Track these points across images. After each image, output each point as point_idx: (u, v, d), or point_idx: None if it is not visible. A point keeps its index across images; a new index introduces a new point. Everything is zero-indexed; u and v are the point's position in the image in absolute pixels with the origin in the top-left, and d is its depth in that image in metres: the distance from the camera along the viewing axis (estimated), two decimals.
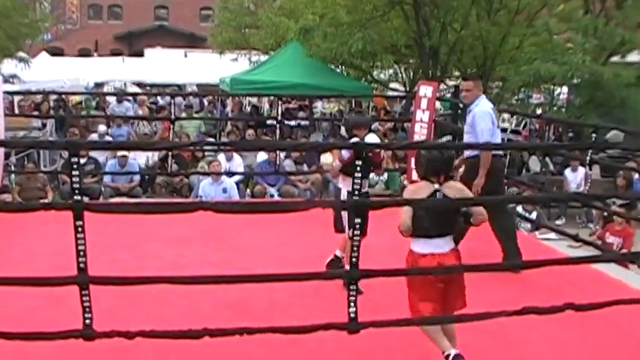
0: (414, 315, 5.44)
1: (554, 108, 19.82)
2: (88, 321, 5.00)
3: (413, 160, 11.34)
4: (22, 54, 23.37)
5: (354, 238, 4.96)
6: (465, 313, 5.28)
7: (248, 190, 14.66)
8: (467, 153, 8.60)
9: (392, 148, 6.66)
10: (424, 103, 11.14)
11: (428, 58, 18.51)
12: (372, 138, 7.11)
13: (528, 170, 18.52)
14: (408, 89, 22.06)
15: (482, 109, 8.35)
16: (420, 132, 11.03)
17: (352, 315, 5.16)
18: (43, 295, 6.11)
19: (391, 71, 23.26)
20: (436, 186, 5.31)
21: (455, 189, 5.38)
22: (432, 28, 18.14)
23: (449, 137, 13.71)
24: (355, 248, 4.97)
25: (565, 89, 20.94)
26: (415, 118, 11.29)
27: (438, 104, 12.58)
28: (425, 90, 11.28)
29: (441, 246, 5.38)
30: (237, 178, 14.02)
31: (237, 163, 14.57)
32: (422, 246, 5.39)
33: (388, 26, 19.14)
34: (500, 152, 9.02)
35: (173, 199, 14.04)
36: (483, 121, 8.25)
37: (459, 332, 5.57)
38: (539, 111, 19.76)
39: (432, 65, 18.69)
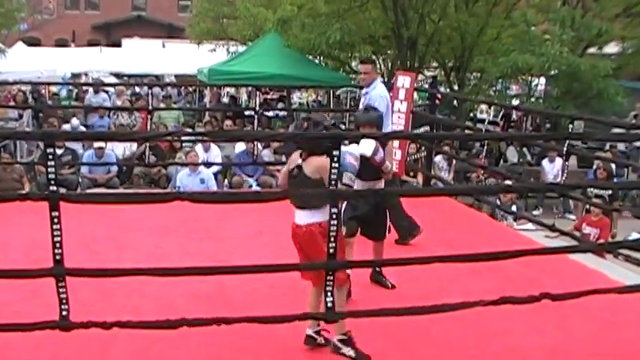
0: None
1: (532, 99, 19.91)
2: (64, 312, 4.98)
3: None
4: None
5: (331, 228, 4.96)
6: (444, 303, 5.29)
7: (226, 181, 14.64)
8: None
9: (369, 138, 6.66)
10: (402, 94, 11.14)
11: (406, 49, 18.52)
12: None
13: (506, 161, 18.60)
14: (385, 80, 22.07)
15: (379, 93, 8.68)
16: (398, 122, 11.02)
17: (329, 305, 5.17)
18: (18, 288, 6.08)
19: None
20: (299, 161, 5.59)
21: (312, 165, 5.51)
22: (410, 19, 18.14)
23: (426, 128, 13.74)
24: (332, 239, 4.97)
25: (542, 80, 21.06)
26: (393, 108, 11.29)
27: (415, 95, 12.57)
28: (403, 80, 11.29)
29: (299, 217, 5.63)
30: (215, 168, 13.99)
31: (215, 153, 14.53)
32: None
33: (366, 17, 19.15)
34: None
35: (151, 189, 13.99)
36: (379, 104, 8.43)
37: (437, 322, 5.61)
38: (516, 102, 19.82)
39: (410, 56, 18.70)
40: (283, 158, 15.05)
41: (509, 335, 6.05)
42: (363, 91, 9.03)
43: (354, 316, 5.29)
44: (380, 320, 5.44)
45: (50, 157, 4.70)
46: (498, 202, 12.63)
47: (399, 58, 19.48)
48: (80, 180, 14.27)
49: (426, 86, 15.82)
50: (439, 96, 13.77)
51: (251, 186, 14.27)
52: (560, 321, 6.27)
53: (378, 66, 23.41)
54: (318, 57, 21.69)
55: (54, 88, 26.00)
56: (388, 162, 6.31)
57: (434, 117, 12.68)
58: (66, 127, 17.28)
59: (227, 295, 6.54)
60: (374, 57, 22.13)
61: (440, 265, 5.49)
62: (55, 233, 4.76)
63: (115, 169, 14.59)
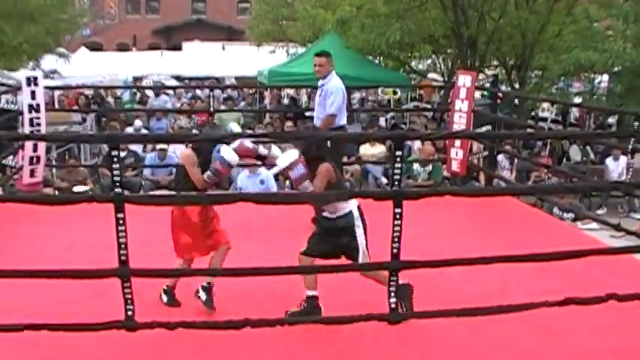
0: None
1: (595, 97, 19.64)
2: (130, 312, 5.05)
3: (453, 150, 11.34)
4: (61, 49, 23.58)
5: (395, 228, 4.94)
6: (508, 303, 5.24)
7: (287, 182, 14.65)
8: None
9: (431, 138, 6.64)
10: (463, 93, 11.06)
11: (466, 47, 18.40)
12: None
13: (569, 160, 18.38)
14: (446, 79, 21.98)
15: (336, 85, 9.05)
16: (459, 122, 10.96)
17: (392, 306, 5.15)
18: (82, 288, 6.15)
19: (429, 61, 23.20)
20: None
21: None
22: (470, 17, 18.02)
23: (488, 127, 13.64)
24: (396, 239, 4.95)
25: (605, 77, 20.74)
26: (454, 108, 11.22)
27: (477, 94, 12.48)
28: (463, 79, 11.21)
29: None
30: (275, 169, 13.99)
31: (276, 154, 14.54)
32: None
33: (426, 16, 19.06)
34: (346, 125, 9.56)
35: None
36: (337, 95, 8.97)
37: (503, 323, 5.56)
38: (579, 99, 19.56)
39: (470, 55, 18.58)
40: (344, 159, 15.08)
41: (573, 335, 5.96)
42: (319, 83, 9.24)
43: (418, 317, 5.26)
44: (441, 320, 5.42)
45: (115, 159, 4.75)
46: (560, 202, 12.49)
47: (459, 57, 19.37)
48: (143, 182, 14.42)
49: (487, 85, 15.72)
50: (500, 95, 13.64)
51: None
52: (626, 322, 6.17)
53: (438, 65, 23.42)
54: (377, 57, 21.66)
55: (116, 92, 26.38)
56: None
57: (495, 116, 12.57)
58: (129, 130, 17.48)
59: (292, 296, 6.53)
60: (433, 56, 22.16)
61: (503, 265, 5.44)
62: (121, 234, 4.82)
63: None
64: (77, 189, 13.52)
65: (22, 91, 10.93)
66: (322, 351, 5.59)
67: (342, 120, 9.19)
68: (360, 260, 5.89)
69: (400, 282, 5.47)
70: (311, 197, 5.82)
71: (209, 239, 6.41)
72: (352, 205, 5.92)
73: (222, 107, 20.20)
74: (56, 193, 13.55)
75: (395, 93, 24.44)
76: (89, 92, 25.92)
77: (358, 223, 5.97)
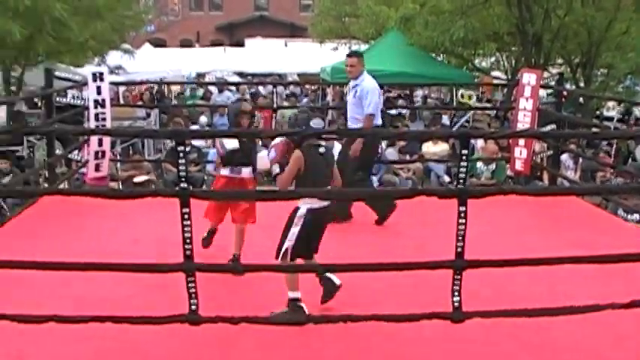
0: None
1: None
2: (193, 307, 5.10)
3: (517, 149, 11.24)
4: (126, 45, 23.82)
5: (459, 227, 4.91)
6: (573, 305, 5.18)
7: None
8: (353, 126, 9.34)
9: (496, 136, 6.58)
10: (528, 91, 10.96)
11: (530, 45, 18.18)
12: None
13: (635, 160, 18.09)
14: (509, 77, 21.77)
15: (371, 84, 9.18)
16: (524, 120, 10.86)
17: (456, 304, 5.13)
18: (145, 281, 6.22)
19: (493, 59, 23.00)
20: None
21: None
22: (535, 14, 17.80)
23: (553, 126, 13.47)
24: (460, 238, 4.92)
25: None
26: (518, 106, 11.12)
27: (541, 92, 12.32)
28: (528, 78, 11.10)
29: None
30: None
31: (337, 150, 14.58)
32: None
33: (490, 13, 18.86)
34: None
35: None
36: (373, 95, 9.08)
37: (567, 324, 5.49)
38: None
39: (535, 53, 18.35)
40: (407, 157, 15.03)
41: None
42: (351, 83, 9.39)
43: (482, 316, 5.22)
44: (505, 321, 5.37)
45: (180, 155, 4.79)
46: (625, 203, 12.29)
47: (524, 54, 19.16)
48: (205, 177, 14.52)
49: (552, 83, 15.52)
50: (565, 93, 13.47)
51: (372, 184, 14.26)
52: None
53: (502, 63, 23.20)
54: (440, 54, 21.53)
55: (179, 88, 26.60)
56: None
57: (560, 115, 12.41)
58: (193, 126, 17.63)
59: (351, 293, 6.53)
60: (497, 54, 21.96)
61: (567, 266, 5.38)
62: (186, 229, 4.86)
63: None
64: (138, 179, 13.69)
65: (87, 87, 11.08)
66: (387, 347, 5.58)
67: (378, 119, 9.27)
68: (279, 258, 6.13)
69: (334, 280, 6.02)
70: (363, 194, 5.81)
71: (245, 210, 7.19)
72: (303, 205, 6.07)
73: (285, 104, 20.23)
74: (120, 184, 13.73)
75: (470, 98, 24.30)
76: (154, 88, 26.21)
77: (298, 222, 6.10)
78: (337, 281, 6.23)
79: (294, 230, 6.12)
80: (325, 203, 6.14)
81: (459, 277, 5.10)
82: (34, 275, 5.75)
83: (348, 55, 9.60)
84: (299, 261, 6.15)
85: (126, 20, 21.84)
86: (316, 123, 6.28)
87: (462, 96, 22.55)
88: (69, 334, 5.41)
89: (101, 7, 17.93)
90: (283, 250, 6.15)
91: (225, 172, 7.36)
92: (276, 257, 6.16)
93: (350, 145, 9.19)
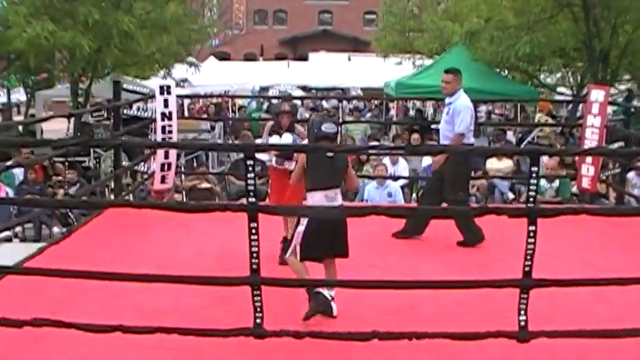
0: None
1: None
2: (258, 320, 5.11)
3: (584, 166, 11.09)
4: (191, 59, 24.06)
5: (528, 246, 4.85)
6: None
7: (414, 195, 14.61)
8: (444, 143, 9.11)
9: (567, 154, 6.49)
10: (595, 108, 10.81)
11: (597, 61, 17.95)
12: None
13: None
14: (575, 93, 21.52)
15: (464, 103, 8.89)
16: (592, 138, 10.71)
17: (522, 324, 5.06)
18: (210, 294, 6.25)
19: (559, 75, 22.76)
20: None
21: None
22: (602, 29, 17.58)
23: (621, 143, 13.28)
24: (529, 257, 4.86)
25: None
26: (586, 123, 10.97)
27: (609, 109, 12.16)
28: (596, 94, 10.95)
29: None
30: (402, 182, 13.99)
31: (402, 166, 14.56)
32: None
33: (556, 28, 18.67)
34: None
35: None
36: (465, 114, 8.81)
37: (637, 347, 5.40)
38: None
39: (602, 69, 18.13)
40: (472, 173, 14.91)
41: None
42: (446, 100, 9.13)
43: (548, 337, 5.14)
44: (571, 341, 5.29)
45: (250, 168, 4.80)
46: None
47: (590, 70, 18.93)
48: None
49: (619, 100, 15.31)
50: (633, 110, 13.26)
51: None
52: None
53: (567, 79, 22.95)
54: (505, 70, 21.36)
55: (240, 101, 26.76)
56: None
57: (628, 132, 12.23)
58: (258, 140, 17.70)
59: (416, 310, 6.49)
60: (563, 69, 21.72)
61: (634, 287, 5.29)
62: (253, 244, 4.87)
63: None
64: (202, 185, 13.87)
65: (153, 99, 11.20)
66: None
67: (470, 138, 9.08)
68: (287, 255, 6.49)
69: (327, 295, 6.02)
70: (448, 213, 5.77)
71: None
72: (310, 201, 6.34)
73: (349, 118, 20.27)
74: (184, 196, 13.85)
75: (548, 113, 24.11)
76: (217, 101, 26.42)
77: (303, 221, 6.27)
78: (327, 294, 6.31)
79: (300, 229, 6.29)
80: (335, 203, 6.29)
81: (525, 296, 5.04)
82: (100, 285, 5.81)
83: (445, 72, 9.29)
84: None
85: (192, 34, 22.06)
86: (327, 127, 6.48)
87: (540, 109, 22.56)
88: (134, 344, 5.45)
89: (168, 20, 18.15)
90: (291, 248, 6.39)
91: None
92: (284, 254, 6.51)
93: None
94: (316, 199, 6.30)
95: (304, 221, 6.24)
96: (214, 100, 26.29)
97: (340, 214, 6.04)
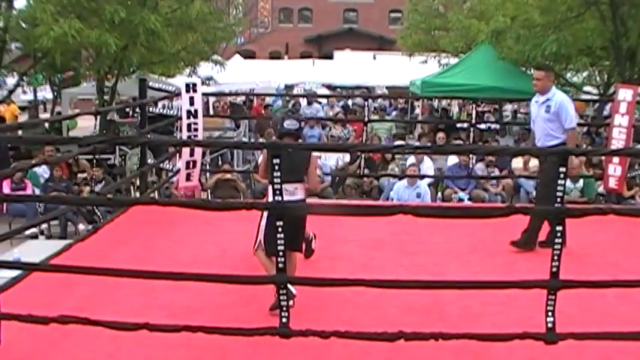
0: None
1: None
2: (284, 320, 5.11)
3: (610, 166, 11.00)
4: (216, 57, 24.08)
5: (555, 246, 4.82)
6: None
7: (439, 194, 14.59)
8: (548, 142, 8.51)
9: (596, 153, 6.41)
10: (623, 107, 10.73)
11: (624, 60, 17.82)
12: None
13: None
14: (602, 92, 21.38)
15: (566, 98, 8.73)
16: (619, 137, 10.62)
17: (550, 325, 5.03)
18: (236, 292, 6.26)
19: (585, 74, 22.62)
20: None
21: None
22: (630, 28, 17.43)
23: None
24: (556, 257, 4.83)
25: None
26: (613, 122, 10.89)
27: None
28: (624, 93, 10.86)
29: None
30: (427, 181, 13.97)
31: (428, 165, 14.54)
32: None
33: (583, 27, 18.54)
34: None
35: (363, 200, 14.12)
36: (570, 108, 8.51)
37: None
38: None
39: (629, 67, 17.98)
40: (496, 171, 14.86)
41: None
42: (539, 98, 8.81)
43: (576, 338, 5.10)
44: (599, 343, 5.25)
45: (276, 167, 4.80)
46: None
47: (617, 69, 18.79)
48: None
49: None
50: None
51: (462, 199, 14.16)
52: None
53: (594, 78, 22.80)
54: (530, 69, 21.25)
55: (267, 99, 26.77)
56: None
57: None
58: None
59: (441, 310, 6.47)
60: (590, 68, 21.57)
61: None
62: (279, 242, 4.86)
63: (328, 179, 14.80)
64: (226, 176, 13.95)
65: (179, 97, 11.22)
66: None
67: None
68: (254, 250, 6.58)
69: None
70: (480, 213, 5.74)
71: None
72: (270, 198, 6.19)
73: (374, 117, 20.23)
74: (209, 194, 13.89)
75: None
76: (241, 99, 26.42)
77: (264, 215, 6.38)
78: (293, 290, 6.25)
79: (263, 222, 6.43)
80: (295, 197, 6.33)
81: (553, 297, 5.01)
82: (126, 282, 5.83)
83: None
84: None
85: (217, 32, 22.05)
86: (289, 124, 6.76)
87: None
88: (160, 342, 5.46)
89: (193, 19, 18.16)
90: (257, 242, 6.52)
91: None
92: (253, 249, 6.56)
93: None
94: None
95: (265, 215, 6.37)
96: (232, 100, 26.29)
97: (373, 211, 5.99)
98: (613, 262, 8.06)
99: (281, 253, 5.01)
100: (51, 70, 20.66)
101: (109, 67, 18.45)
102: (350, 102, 26.94)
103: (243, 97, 28.11)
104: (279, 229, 4.91)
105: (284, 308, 5.10)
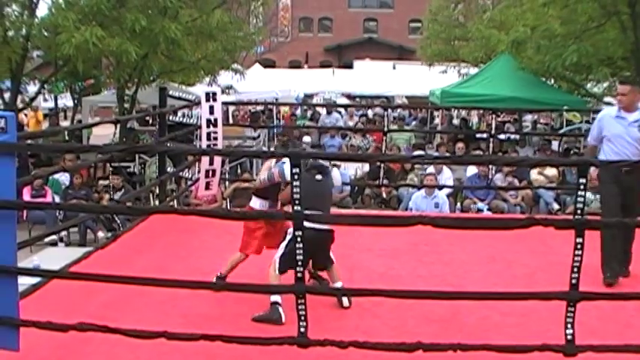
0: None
1: None
2: (302, 329, 5.11)
3: None
4: (236, 66, 24.14)
5: (575, 258, 4.79)
6: None
7: (458, 205, 14.56)
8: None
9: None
10: None
11: None
12: None
13: None
14: None
15: None
16: None
17: (569, 337, 5.00)
18: (254, 302, 6.27)
19: (606, 84, 22.53)
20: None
21: None
22: None
23: None
24: (576, 269, 4.80)
25: None
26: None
27: None
28: None
29: None
30: (446, 191, 13.95)
31: (447, 176, 14.52)
32: None
33: (604, 37, 18.48)
34: None
35: (382, 210, 14.11)
36: None
37: None
38: None
39: None
40: (516, 182, 14.81)
41: None
42: (629, 116, 7.80)
43: (595, 351, 5.07)
44: (619, 356, 5.22)
45: (295, 176, 4.80)
46: None
47: (639, 79, 18.70)
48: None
49: None
50: None
51: (481, 210, 14.13)
52: None
53: (614, 88, 22.67)
54: (550, 79, 21.19)
55: (287, 109, 26.82)
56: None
57: None
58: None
59: (460, 321, 6.45)
60: (611, 79, 21.45)
61: None
62: (298, 252, 4.86)
63: (347, 188, 14.80)
64: (244, 185, 13.97)
65: (199, 106, 11.25)
66: None
67: None
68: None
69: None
70: (498, 224, 5.72)
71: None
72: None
73: (393, 126, 20.23)
74: (228, 203, 13.91)
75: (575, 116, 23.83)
76: (261, 108, 26.46)
77: (287, 237, 6.37)
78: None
79: (283, 244, 6.43)
80: (320, 227, 6.23)
81: (572, 309, 4.98)
82: (146, 290, 5.84)
83: (621, 83, 8.17)
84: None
85: (237, 41, 22.09)
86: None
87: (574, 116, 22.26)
88: (178, 350, 5.47)
89: (213, 28, 18.22)
90: (274, 260, 6.50)
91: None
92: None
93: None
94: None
95: (287, 238, 6.36)
96: (252, 109, 26.35)
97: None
98: (633, 274, 8.01)
99: (300, 263, 5.00)
100: (72, 77, 20.81)
101: (129, 75, 18.55)
102: (370, 112, 26.96)
103: (261, 107, 28.16)
104: (299, 240, 4.91)
105: (302, 317, 5.09)
